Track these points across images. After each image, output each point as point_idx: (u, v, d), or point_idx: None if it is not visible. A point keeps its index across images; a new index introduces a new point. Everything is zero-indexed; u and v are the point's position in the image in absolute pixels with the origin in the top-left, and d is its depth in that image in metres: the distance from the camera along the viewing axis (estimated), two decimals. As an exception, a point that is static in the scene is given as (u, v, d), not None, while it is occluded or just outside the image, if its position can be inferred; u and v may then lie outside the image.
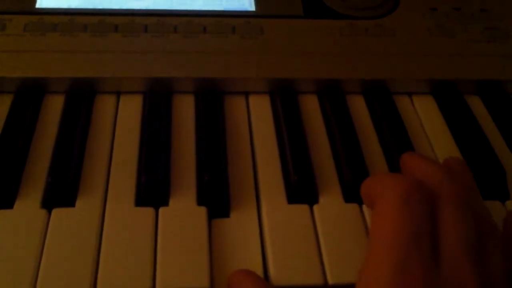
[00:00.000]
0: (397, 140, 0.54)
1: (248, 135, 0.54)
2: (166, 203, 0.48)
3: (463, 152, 0.55)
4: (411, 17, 0.65)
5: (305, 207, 0.48)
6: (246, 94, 0.59)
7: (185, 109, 0.56)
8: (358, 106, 0.59)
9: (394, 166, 0.52)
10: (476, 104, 0.60)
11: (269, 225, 0.47)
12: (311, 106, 0.58)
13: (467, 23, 0.65)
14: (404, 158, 0.47)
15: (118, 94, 0.57)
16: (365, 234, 0.47)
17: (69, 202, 0.47)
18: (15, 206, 0.47)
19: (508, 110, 0.58)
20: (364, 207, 0.49)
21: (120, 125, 0.54)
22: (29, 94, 0.55)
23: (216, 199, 0.48)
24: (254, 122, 0.56)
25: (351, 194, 0.50)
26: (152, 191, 0.48)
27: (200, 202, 0.48)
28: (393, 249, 0.37)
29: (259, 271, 0.44)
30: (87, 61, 0.57)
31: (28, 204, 0.47)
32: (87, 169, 0.50)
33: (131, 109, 0.56)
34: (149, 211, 0.47)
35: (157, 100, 0.56)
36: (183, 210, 0.47)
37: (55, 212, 0.46)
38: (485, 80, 0.60)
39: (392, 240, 0.38)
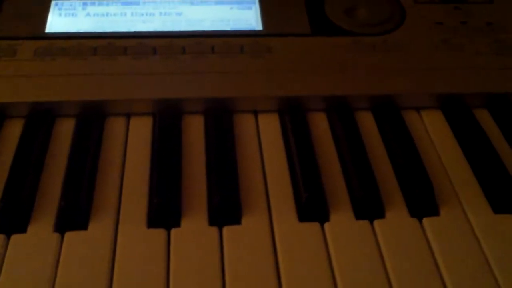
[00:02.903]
0: (406, 155, 0.54)
1: (258, 154, 0.55)
2: (178, 224, 0.48)
3: (473, 166, 0.54)
4: (417, 32, 0.65)
5: (316, 225, 0.48)
6: (255, 112, 0.59)
7: (195, 129, 0.57)
8: (367, 122, 0.59)
9: (404, 182, 0.52)
10: (485, 117, 0.60)
11: (280, 245, 0.47)
12: (320, 123, 0.58)
13: (473, 36, 0.65)
14: None
15: (128, 116, 0.58)
16: (377, 251, 0.47)
17: (82, 225, 0.47)
18: (29, 230, 0.47)
19: (516, 123, 0.59)
20: (375, 223, 0.49)
21: (130, 147, 0.55)
22: (40, 119, 0.56)
23: (228, 219, 0.48)
24: (264, 140, 0.56)
25: (362, 211, 0.50)
26: (164, 213, 0.48)
27: (211, 223, 0.48)
28: None
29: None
30: (97, 84, 0.58)
31: (41, 228, 0.47)
32: (99, 192, 0.50)
33: (141, 131, 0.56)
34: (161, 232, 0.47)
35: (167, 121, 0.56)
36: (195, 231, 0.47)
37: (68, 235, 0.47)
38: (493, 93, 0.61)
39: None
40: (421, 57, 0.63)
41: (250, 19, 0.66)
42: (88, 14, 0.65)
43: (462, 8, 0.68)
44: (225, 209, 0.49)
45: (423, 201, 0.50)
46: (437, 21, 0.67)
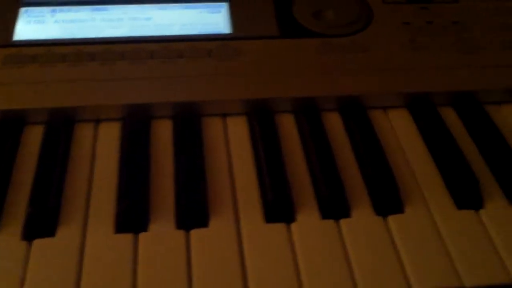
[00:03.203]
0: (372, 154, 0.55)
1: (226, 157, 0.55)
2: (145, 229, 0.48)
3: (438, 164, 0.55)
4: (384, 32, 0.66)
5: (282, 226, 0.49)
6: (224, 115, 0.59)
7: (163, 134, 0.57)
8: (334, 123, 0.59)
9: (369, 181, 0.53)
10: (450, 115, 0.61)
11: (247, 246, 0.47)
12: (288, 125, 0.59)
13: (439, 35, 0.66)
14: None
15: (97, 122, 0.58)
16: (343, 250, 0.47)
17: (50, 232, 0.48)
18: (-4, 239, 0.47)
19: (480, 120, 0.59)
20: (341, 222, 0.49)
21: (99, 153, 0.55)
22: (8, 126, 0.56)
23: (195, 222, 0.49)
24: (232, 143, 0.56)
25: (328, 211, 0.50)
26: (131, 218, 0.49)
27: (179, 226, 0.49)
28: None
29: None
30: (65, 91, 0.58)
31: (9, 236, 0.47)
32: (67, 198, 0.51)
33: (110, 137, 0.56)
34: (128, 237, 0.47)
35: (135, 127, 0.56)
36: (163, 235, 0.48)
37: (36, 243, 0.47)
38: (458, 91, 0.61)
39: None
40: (388, 57, 0.64)
41: (218, 22, 0.66)
42: (56, 21, 0.65)
43: (429, 8, 0.69)
44: (192, 212, 0.49)
45: (387, 199, 0.51)
46: (404, 21, 0.67)
